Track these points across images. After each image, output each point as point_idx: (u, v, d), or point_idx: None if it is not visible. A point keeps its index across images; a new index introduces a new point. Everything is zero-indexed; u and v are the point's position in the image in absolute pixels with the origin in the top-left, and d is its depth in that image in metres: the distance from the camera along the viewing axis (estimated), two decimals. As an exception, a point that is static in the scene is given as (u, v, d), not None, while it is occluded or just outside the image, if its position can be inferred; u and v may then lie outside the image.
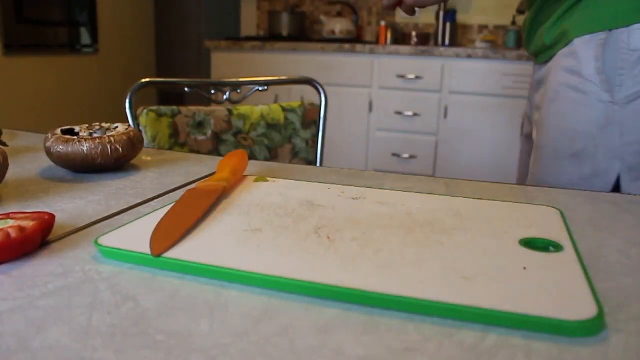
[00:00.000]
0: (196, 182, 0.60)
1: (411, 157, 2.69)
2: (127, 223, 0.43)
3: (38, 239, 0.39)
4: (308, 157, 1.27)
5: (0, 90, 2.79)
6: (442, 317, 0.30)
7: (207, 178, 0.56)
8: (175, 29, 3.60)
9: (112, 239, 0.39)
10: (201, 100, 1.30)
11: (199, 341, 0.28)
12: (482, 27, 3.01)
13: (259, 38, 3.13)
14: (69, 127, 0.66)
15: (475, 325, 0.30)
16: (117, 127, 0.67)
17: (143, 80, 1.15)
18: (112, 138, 0.61)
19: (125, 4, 3.49)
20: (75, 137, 0.61)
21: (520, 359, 0.27)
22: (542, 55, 0.89)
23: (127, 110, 1.12)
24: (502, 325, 0.30)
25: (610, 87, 0.75)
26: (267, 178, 0.58)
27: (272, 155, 1.24)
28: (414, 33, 2.97)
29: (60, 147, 0.60)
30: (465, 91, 2.54)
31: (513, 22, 2.84)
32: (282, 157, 1.25)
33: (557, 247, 0.39)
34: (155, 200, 0.54)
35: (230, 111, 1.21)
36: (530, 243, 0.40)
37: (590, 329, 0.29)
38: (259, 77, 1.28)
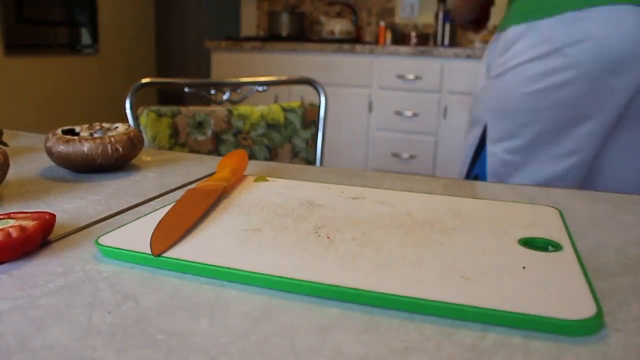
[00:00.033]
0: (196, 182, 0.60)
1: (411, 157, 2.70)
2: (128, 223, 0.43)
3: (39, 239, 0.39)
4: (308, 157, 1.27)
5: (0, 91, 2.79)
6: (442, 316, 0.31)
7: (207, 178, 0.56)
8: (175, 29, 3.60)
9: (113, 238, 0.39)
10: (201, 100, 1.30)
11: (199, 341, 0.28)
12: (482, 28, 3.00)
13: (259, 38, 3.13)
14: (69, 127, 0.66)
15: (475, 325, 0.30)
16: (117, 127, 0.67)
17: (143, 80, 1.15)
18: (112, 138, 0.62)
19: (126, 4, 3.49)
20: (76, 137, 0.61)
21: (519, 358, 0.27)
22: None
23: (128, 111, 1.13)
24: (501, 324, 0.30)
25: (488, 69, 1.14)
26: (267, 178, 0.58)
27: (272, 155, 1.24)
28: (413, 33, 2.97)
29: (61, 147, 0.60)
30: (465, 91, 2.54)
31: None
32: (282, 157, 1.25)
33: (557, 247, 0.39)
34: (156, 200, 0.54)
35: (230, 111, 1.21)
36: (529, 243, 0.40)
37: (590, 328, 0.29)
38: (259, 78, 1.29)
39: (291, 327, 0.29)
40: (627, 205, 0.54)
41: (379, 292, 0.32)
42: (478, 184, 0.62)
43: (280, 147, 1.25)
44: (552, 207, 0.49)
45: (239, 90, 1.29)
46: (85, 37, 3.23)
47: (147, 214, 0.45)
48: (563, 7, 0.98)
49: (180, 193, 0.56)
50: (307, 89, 1.45)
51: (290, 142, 1.26)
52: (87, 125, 0.68)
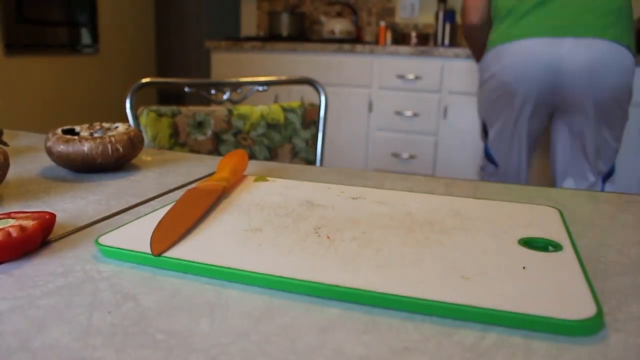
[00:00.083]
0: (196, 182, 0.60)
1: (411, 157, 2.70)
2: (128, 223, 0.43)
3: (39, 239, 0.39)
4: (308, 157, 1.27)
5: (1, 91, 2.79)
6: (442, 316, 0.31)
7: (207, 178, 0.56)
8: (175, 29, 3.60)
9: (113, 238, 0.39)
10: (201, 100, 1.30)
11: (200, 341, 0.28)
12: (482, 28, 3.00)
13: (259, 38, 3.13)
14: (69, 127, 0.66)
15: (475, 325, 0.30)
16: (117, 127, 0.67)
17: (143, 80, 1.15)
18: (112, 138, 0.62)
19: (126, 4, 3.49)
20: (76, 137, 0.61)
21: (519, 358, 0.27)
22: None
23: (128, 110, 1.13)
24: (501, 324, 0.30)
25: (480, 77, 1.70)
26: (267, 178, 0.58)
27: (272, 155, 1.24)
28: (413, 33, 2.97)
29: (61, 147, 0.60)
30: (465, 91, 2.54)
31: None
32: (282, 157, 1.25)
33: (557, 247, 0.39)
34: (156, 200, 0.54)
35: (230, 111, 1.21)
36: (529, 243, 0.40)
37: (590, 328, 0.29)
38: (259, 78, 1.29)
39: (292, 327, 0.29)
40: (627, 205, 0.54)
41: (379, 292, 0.32)
42: (478, 184, 0.62)
43: (280, 147, 1.25)
44: (552, 207, 0.49)
45: (239, 90, 1.29)
46: (85, 37, 3.23)
47: (147, 214, 0.45)
48: (494, 42, 1.58)
49: (180, 193, 0.56)
50: (307, 89, 1.45)
51: (290, 142, 1.26)
52: (87, 125, 0.68)
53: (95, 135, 0.65)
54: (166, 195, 0.55)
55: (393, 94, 2.67)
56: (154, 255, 0.36)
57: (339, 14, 3.26)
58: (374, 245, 0.39)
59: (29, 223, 0.39)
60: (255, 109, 1.24)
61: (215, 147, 1.18)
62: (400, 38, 3.07)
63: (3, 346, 0.27)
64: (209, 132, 1.17)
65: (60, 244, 0.41)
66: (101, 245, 0.38)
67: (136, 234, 0.40)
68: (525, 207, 0.49)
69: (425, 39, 2.98)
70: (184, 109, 1.16)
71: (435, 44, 2.91)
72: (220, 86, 1.27)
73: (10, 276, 0.35)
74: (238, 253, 0.37)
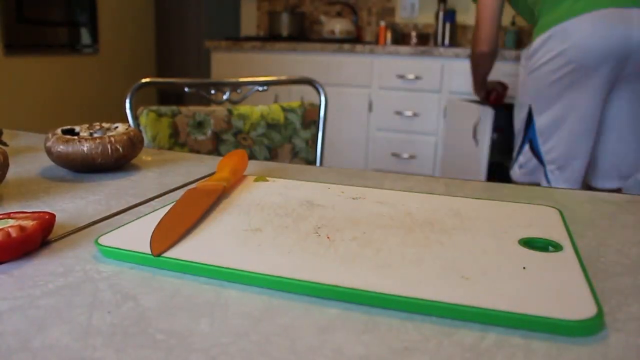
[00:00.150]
0: (196, 182, 0.60)
1: (411, 157, 2.70)
2: (128, 223, 0.43)
3: (39, 239, 0.39)
4: (308, 157, 1.27)
5: (0, 91, 2.79)
6: (442, 316, 0.31)
7: (207, 178, 0.56)
8: (175, 29, 3.60)
9: (113, 238, 0.39)
10: (201, 100, 1.30)
11: (200, 341, 0.28)
12: (482, 28, 3.00)
13: (259, 38, 3.13)
14: (69, 127, 0.66)
15: (475, 325, 0.30)
16: (117, 127, 0.67)
17: (143, 80, 1.15)
18: (112, 138, 0.62)
19: (126, 4, 3.49)
20: (75, 137, 0.61)
21: (519, 358, 0.27)
22: None
23: (128, 110, 1.13)
24: (501, 325, 0.30)
25: (524, 68, 1.63)
26: (267, 178, 0.58)
27: (272, 155, 1.24)
28: (413, 33, 2.97)
29: (61, 147, 0.60)
30: (465, 91, 2.53)
31: (513, 23, 2.84)
32: (282, 157, 1.25)
33: (557, 247, 0.39)
34: (156, 200, 0.54)
35: (230, 111, 1.21)
36: (530, 243, 0.40)
37: (590, 328, 0.29)
38: (259, 78, 1.29)
39: (291, 327, 0.29)
40: (627, 205, 0.54)
41: (378, 292, 0.32)
42: (478, 184, 0.62)
43: (280, 147, 1.25)
44: (552, 207, 0.49)
45: (239, 90, 1.29)
46: (85, 37, 3.23)
47: (147, 214, 0.45)
48: (554, 21, 1.50)
49: (180, 193, 0.56)
50: (307, 89, 1.45)
51: (290, 142, 1.26)
52: (87, 125, 0.68)
53: (95, 135, 0.65)
54: (166, 195, 0.55)
55: (393, 94, 2.67)
56: (154, 256, 0.36)
57: (339, 14, 3.26)
58: (374, 245, 0.39)
59: (28, 223, 0.39)
60: (255, 109, 1.24)
61: (215, 147, 1.18)
62: (400, 38, 3.07)
63: (3, 346, 0.27)
64: (209, 132, 1.17)
65: (60, 244, 0.41)
66: (101, 245, 0.38)
67: (136, 234, 0.40)
68: (525, 207, 0.49)
69: (425, 39, 2.98)
70: (184, 109, 1.16)
71: (435, 43, 2.91)
72: (220, 86, 1.27)
73: (10, 276, 0.35)
74: (238, 253, 0.37)
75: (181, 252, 0.37)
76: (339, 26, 3.06)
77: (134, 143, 0.64)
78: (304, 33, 3.30)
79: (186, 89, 1.23)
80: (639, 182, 1.58)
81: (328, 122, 2.74)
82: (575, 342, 0.28)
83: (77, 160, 0.60)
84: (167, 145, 1.12)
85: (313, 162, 1.27)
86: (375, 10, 3.21)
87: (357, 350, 0.27)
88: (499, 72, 2.48)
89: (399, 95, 2.66)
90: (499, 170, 2.29)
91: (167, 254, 0.37)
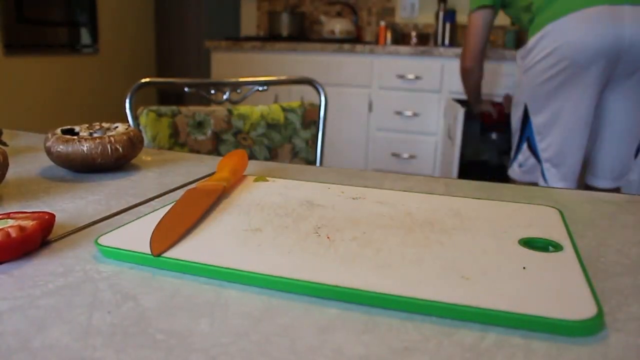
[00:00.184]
0: (196, 182, 0.60)
1: (411, 157, 2.70)
2: (128, 223, 0.43)
3: (38, 239, 0.39)
4: (308, 157, 1.27)
5: (0, 91, 2.79)
6: (442, 316, 0.31)
7: (207, 178, 0.56)
8: (175, 29, 3.60)
9: (113, 238, 0.39)
10: (201, 100, 1.30)
11: (199, 341, 0.28)
12: (482, 28, 3.00)
13: (259, 38, 3.13)
14: (69, 127, 0.66)
15: (475, 325, 0.30)
16: (117, 127, 0.67)
17: (143, 80, 1.15)
18: (112, 138, 0.62)
19: (126, 4, 3.49)
20: (75, 137, 0.61)
21: (519, 358, 0.27)
22: None
23: (128, 110, 1.13)
24: (501, 325, 0.30)
25: (519, 68, 1.65)
26: (267, 178, 0.58)
27: (272, 155, 1.24)
28: (413, 33, 2.97)
29: (61, 147, 0.60)
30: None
31: (513, 23, 2.84)
32: (282, 157, 1.25)
33: (557, 247, 0.39)
34: (156, 200, 0.54)
35: (230, 111, 1.21)
36: (530, 243, 0.40)
37: (590, 328, 0.29)
38: (259, 78, 1.29)
39: (291, 327, 0.29)
40: (627, 205, 0.54)
41: (378, 292, 0.32)
42: (478, 184, 0.62)
43: (280, 147, 1.25)
44: (552, 207, 0.49)
45: (239, 90, 1.29)
46: (85, 37, 3.23)
47: (147, 214, 0.45)
48: (547, 20, 1.51)
49: (180, 193, 0.56)
50: (307, 89, 1.45)
51: (290, 142, 1.26)
52: (87, 125, 0.68)
53: (95, 135, 0.65)
54: (166, 195, 0.55)
55: (393, 94, 2.67)
56: (154, 256, 0.36)
57: (339, 14, 3.26)
58: (374, 245, 0.39)
59: (28, 223, 0.39)
60: (255, 109, 1.24)
61: (215, 147, 1.18)
62: (400, 38, 3.07)
63: (3, 346, 0.27)
64: (209, 132, 1.17)
65: (60, 244, 0.41)
66: (101, 245, 0.38)
67: (136, 234, 0.40)
68: (525, 207, 0.49)
69: (425, 39, 2.98)
70: (183, 109, 1.16)
71: (435, 43, 2.91)
72: (220, 86, 1.27)
73: (10, 276, 0.35)
74: (238, 253, 0.37)
75: (181, 252, 0.37)
76: (339, 26, 3.06)
77: (134, 143, 0.64)
78: (304, 33, 3.30)
79: (186, 89, 1.23)
80: (630, 183, 1.59)
81: (328, 122, 2.74)
82: (575, 342, 0.28)
83: (77, 160, 0.60)
84: (167, 145, 1.12)
85: (313, 162, 1.27)
86: (375, 10, 3.21)
87: (357, 350, 0.27)
88: (500, 71, 2.48)
89: (399, 95, 2.66)
90: (499, 171, 2.30)
91: (167, 254, 0.37)
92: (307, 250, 0.38)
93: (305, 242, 0.39)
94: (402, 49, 2.60)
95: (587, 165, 1.67)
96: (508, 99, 2.05)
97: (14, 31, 2.81)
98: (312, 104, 1.28)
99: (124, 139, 0.62)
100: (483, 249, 0.39)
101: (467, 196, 0.53)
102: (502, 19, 2.93)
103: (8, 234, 0.37)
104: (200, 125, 1.16)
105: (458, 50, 2.51)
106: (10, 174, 0.62)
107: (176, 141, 1.14)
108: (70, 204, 0.51)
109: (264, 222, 0.44)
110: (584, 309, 0.30)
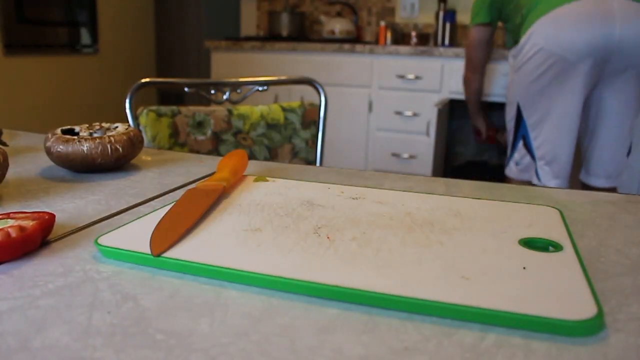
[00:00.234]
0: (196, 182, 0.60)
1: (411, 157, 2.70)
2: (128, 223, 0.43)
3: (38, 239, 0.39)
4: (308, 157, 1.27)
5: (0, 91, 2.79)
6: (442, 317, 0.31)
7: (207, 178, 0.56)
8: (175, 29, 3.60)
9: (113, 238, 0.39)
10: (201, 100, 1.30)
11: (199, 341, 0.28)
12: (482, 28, 3.00)
13: (259, 38, 3.13)
14: (69, 127, 0.66)
15: (475, 325, 0.30)
16: (117, 127, 0.67)
17: (143, 80, 1.15)
18: (112, 138, 0.62)
19: (126, 4, 3.49)
20: (75, 137, 0.61)
21: (520, 358, 0.27)
22: None
23: (127, 110, 1.13)
24: (501, 325, 0.30)
25: (511, 67, 1.67)
26: (267, 178, 0.58)
27: (272, 155, 1.24)
28: (413, 33, 2.97)
29: (61, 147, 0.60)
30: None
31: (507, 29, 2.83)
32: (282, 157, 1.25)
33: (557, 247, 0.39)
34: (156, 200, 0.54)
35: (230, 111, 1.21)
36: (530, 243, 0.40)
37: (590, 328, 0.29)
38: (259, 77, 1.28)
39: (291, 327, 0.29)
40: (627, 205, 0.54)
41: (378, 292, 0.32)
42: (478, 184, 0.62)
43: (280, 147, 1.25)
44: (553, 207, 0.49)
45: (239, 90, 1.29)
46: (85, 37, 3.23)
47: (147, 214, 0.45)
48: (537, 17, 1.51)
49: (180, 193, 0.56)
50: (307, 89, 1.45)
51: (290, 142, 1.26)
52: (87, 125, 0.68)
53: (95, 135, 0.65)
54: (166, 195, 0.55)
55: (393, 94, 2.67)
56: (154, 256, 0.36)
57: (339, 14, 3.25)
58: (374, 245, 0.39)
59: (28, 223, 0.39)
60: (255, 109, 1.24)
61: (215, 147, 1.18)
62: (400, 38, 3.07)
63: (3, 346, 0.27)
64: (209, 132, 1.17)
65: (60, 244, 0.41)
66: (101, 245, 0.38)
67: (136, 234, 0.40)
68: (525, 207, 0.49)
69: (425, 39, 2.98)
70: (183, 109, 1.16)
71: (435, 43, 2.91)
72: (220, 86, 1.27)
73: (10, 276, 0.35)
74: (238, 253, 0.37)
75: (181, 252, 0.37)
76: (339, 26, 3.06)
77: (133, 143, 0.64)
78: (304, 33, 3.30)
79: (186, 89, 1.23)
80: (623, 182, 1.59)
81: (328, 122, 2.74)
82: (575, 342, 0.28)
83: (77, 160, 0.60)
84: (167, 145, 1.12)
85: (313, 162, 1.27)
86: (375, 10, 3.21)
87: (357, 350, 0.27)
88: (499, 71, 2.48)
89: (398, 95, 2.66)
90: (499, 171, 2.30)
91: (167, 254, 0.37)
92: (307, 250, 0.38)
93: (305, 242, 0.39)
94: (402, 49, 2.60)
95: (582, 164, 1.68)
96: (503, 138, 2.07)
97: (14, 31, 2.81)
98: (312, 104, 1.28)
99: (124, 139, 0.62)
100: (483, 249, 0.39)
101: (467, 196, 0.53)
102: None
103: (8, 234, 0.37)
104: (200, 125, 1.16)
105: (458, 51, 2.51)
106: (10, 174, 0.62)
107: (176, 141, 1.14)
108: (70, 204, 0.51)
109: (264, 222, 0.44)
110: (584, 309, 0.30)
